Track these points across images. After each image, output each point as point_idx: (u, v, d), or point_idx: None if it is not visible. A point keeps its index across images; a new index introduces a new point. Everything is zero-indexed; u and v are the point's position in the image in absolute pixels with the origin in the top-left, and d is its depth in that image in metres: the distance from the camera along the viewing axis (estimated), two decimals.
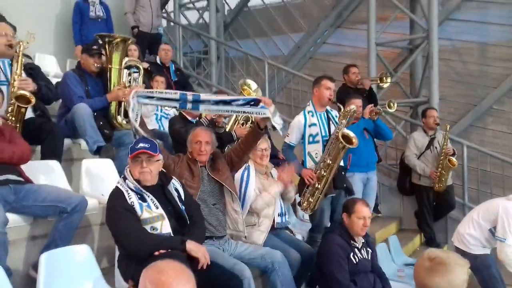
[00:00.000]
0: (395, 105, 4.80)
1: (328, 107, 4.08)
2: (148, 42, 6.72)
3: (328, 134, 3.92)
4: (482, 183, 6.19)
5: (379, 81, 5.85)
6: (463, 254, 3.82)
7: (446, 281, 1.74)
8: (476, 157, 6.26)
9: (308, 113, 3.97)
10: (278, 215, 3.61)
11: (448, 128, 5.44)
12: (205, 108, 2.99)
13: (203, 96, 2.99)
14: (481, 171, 6.25)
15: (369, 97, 5.46)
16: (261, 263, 3.14)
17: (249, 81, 4.55)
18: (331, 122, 4.00)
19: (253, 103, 2.98)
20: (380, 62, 6.78)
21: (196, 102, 2.94)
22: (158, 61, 6.05)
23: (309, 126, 3.91)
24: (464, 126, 7.40)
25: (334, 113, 4.11)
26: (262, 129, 3.19)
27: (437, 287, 1.75)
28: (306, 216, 4.92)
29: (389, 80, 5.81)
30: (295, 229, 4.30)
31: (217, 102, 2.95)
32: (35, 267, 2.63)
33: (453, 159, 5.28)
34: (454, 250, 3.97)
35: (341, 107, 4.26)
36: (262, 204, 3.42)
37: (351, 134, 3.74)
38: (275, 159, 4.62)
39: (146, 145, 2.64)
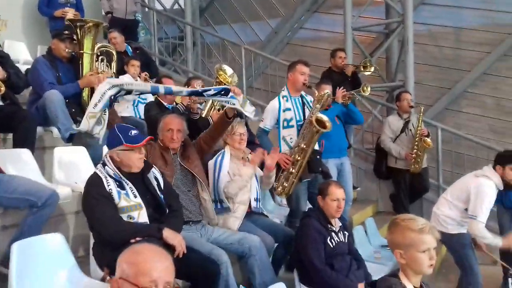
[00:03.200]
0: (369, 88, 4.83)
1: (303, 92, 4.09)
2: (122, 29, 6.58)
3: (302, 119, 3.94)
4: (456, 165, 6.32)
5: (362, 69, 5.86)
6: (441, 234, 3.91)
7: (398, 236, 1.98)
8: (451, 140, 6.38)
9: (283, 98, 3.98)
10: (254, 199, 3.61)
11: (422, 110, 5.51)
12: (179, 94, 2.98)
13: (175, 88, 2.99)
14: (455, 153, 6.38)
15: (353, 82, 5.48)
16: (239, 248, 3.14)
17: (225, 67, 4.50)
18: (306, 107, 4.02)
19: (223, 92, 3.00)
20: (356, 47, 6.81)
21: (170, 94, 2.94)
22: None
23: (284, 111, 3.93)
24: (439, 110, 7.51)
25: (309, 98, 4.12)
26: (230, 117, 3.19)
27: (394, 242, 2.01)
28: (285, 201, 4.95)
29: (372, 69, 5.82)
30: (273, 214, 4.32)
31: (189, 94, 2.94)
32: (3, 262, 2.57)
33: (428, 140, 5.36)
34: None
35: (316, 91, 4.29)
36: (235, 188, 3.39)
37: (324, 118, 3.76)
38: (252, 145, 4.62)
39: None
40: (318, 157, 3.98)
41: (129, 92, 3.02)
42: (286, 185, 3.83)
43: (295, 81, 3.97)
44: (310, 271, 3.22)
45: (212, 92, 3.05)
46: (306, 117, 3.92)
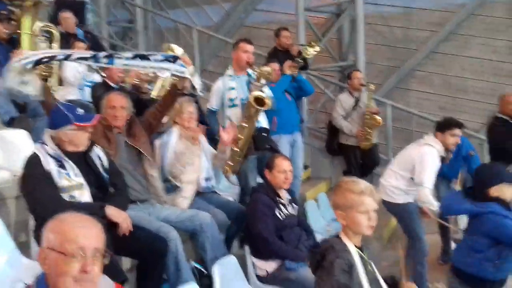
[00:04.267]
0: (317, 45, 4.83)
1: (250, 71, 4.09)
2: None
3: (247, 98, 3.93)
4: (406, 141, 6.47)
5: (308, 48, 5.87)
6: (389, 204, 4.06)
7: (340, 198, 2.03)
8: (400, 117, 6.57)
9: (228, 77, 4.00)
10: (204, 179, 3.59)
11: (372, 88, 5.63)
12: (121, 63, 2.85)
13: (116, 58, 2.86)
14: (405, 130, 6.58)
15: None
16: (189, 225, 3.13)
17: (174, 46, 4.40)
18: (252, 86, 4.00)
19: (171, 59, 2.88)
20: (309, 28, 6.86)
21: (111, 57, 2.80)
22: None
23: (228, 90, 3.95)
24: (389, 88, 7.71)
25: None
26: (179, 89, 3.13)
27: (336, 205, 2.05)
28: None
29: (317, 48, 5.84)
30: (227, 193, 4.33)
31: (134, 57, 2.81)
32: None
33: (377, 117, 5.49)
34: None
35: (256, 69, 4.29)
36: (179, 167, 3.37)
37: (263, 95, 3.77)
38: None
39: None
40: (264, 134, 4.02)
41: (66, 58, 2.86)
42: (232, 164, 3.86)
43: (239, 59, 3.98)
44: (259, 244, 3.26)
45: (159, 57, 2.89)
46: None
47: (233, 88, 3.95)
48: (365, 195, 1.99)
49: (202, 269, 3.20)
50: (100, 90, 4.06)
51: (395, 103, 6.52)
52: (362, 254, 2.01)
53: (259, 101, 3.72)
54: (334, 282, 1.84)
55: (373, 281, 1.99)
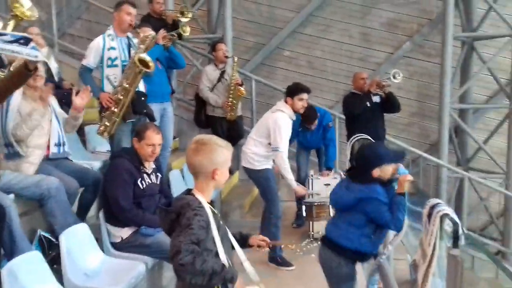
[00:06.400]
0: (188, 28, 4.80)
1: (130, 34, 4.00)
2: None
3: (127, 60, 3.85)
4: None
5: (179, 15, 5.78)
6: (249, 171, 4.25)
7: (209, 159, 1.97)
8: (264, 91, 6.86)
9: (108, 36, 3.86)
10: (55, 144, 3.35)
11: (236, 59, 5.75)
12: None
13: None
14: (268, 104, 6.87)
15: (174, 29, 5.38)
16: (36, 191, 2.95)
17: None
18: (131, 49, 3.93)
19: (22, 41, 2.50)
20: None
21: None
22: None
23: (108, 49, 3.82)
24: (256, 64, 7.97)
25: (136, 40, 4.02)
26: (30, 70, 2.82)
27: (200, 164, 1.97)
28: (100, 148, 4.75)
29: (190, 15, 5.77)
30: (85, 161, 4.12)
31: None
32: None
33: (242, 88, 5.65)
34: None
35: (140, 32, 4.18)
36: (25, 130, 3.10)
37: (147, 58, 3.73)
38: (60, 89, 4.30)
39: None
40: (143, 98, 3.91)
41: None
42: (108, 124, 3.73)
43: (121, 21, 3.86)
44: (115, 211, 3.19)
45: (8, 38, 2.50)
46: (131, 58, 3.84)
47: (114, 48, 3.82)
48: (229, 148, 2.06)
49: (51, 238, 3.02)
50: None
51: (257, 77, 6.77)
52: (214, 210, 2.06)
53: (143, 63, 3.67)
54: (194, 237, 1.85)
55: (224, 236, 2.06)
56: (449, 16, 6.67)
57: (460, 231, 2.15)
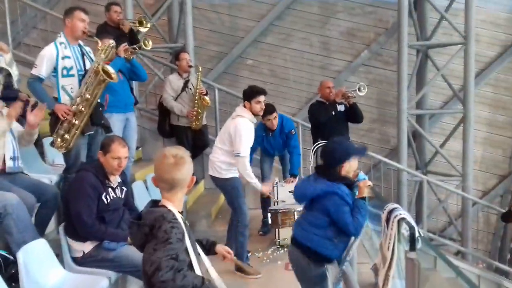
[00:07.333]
0: (150, 43, 4.76)
1: (81, 42, 3.88)
2: None
3: (83, 69, 3.75)
4: None
5: (138, 24, 5.73)
6: (216, 179, 4.23)
7: (188, 170, 2.04)
8: (227, 100, 6.87)
9: (60, 44, 3.69)
10: (10, 158, 3.24)
11: (200, 69, 5.75)
12: None
13: None
14: (231, 113, 6.88)
15: (131, 38, 5.33)
16: None
17: None
18: (85, 57, 3.83)
19: None
20: (138, 6, 6.66)
21: None
22: None
23: (62, 58, 3.66)
24: (218, 73, 7.98)
25: (88, 48, 3.94)
26: None
27: (182, 177, 2.01)
28: (58, 160, 4.62)
29: (148, 25, 5.74)
30: (43, 174, 3.99)
31: None
32: None
33: (206, 98, 5.65)
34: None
35: (99, 41, 4.08)
36: None
37: (111, 69, 3.66)
38: (13, 100, 4.15)
39: None
40: (100, 109, 3.82)
41: None
42: (68, 137, 3.60)
43: (74, 28, 3.72)
44: (77, 225, 3.10)
45: None
46: (86, 67, 3.76)
47: (68, 57, 3.68)
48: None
49: (8, 256, 2.90)
50: None
51: (220, 86, 6.80)
52: (185, 220, 2.05)
53: (106, 74, 3.58)
54: (172, 252, 1.84)
55: (193, 244, 2.06)
56: (403, 26, 6.92)
57: (417, 235, 2.22)
